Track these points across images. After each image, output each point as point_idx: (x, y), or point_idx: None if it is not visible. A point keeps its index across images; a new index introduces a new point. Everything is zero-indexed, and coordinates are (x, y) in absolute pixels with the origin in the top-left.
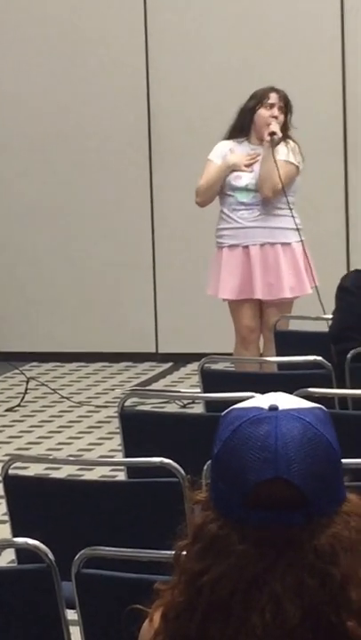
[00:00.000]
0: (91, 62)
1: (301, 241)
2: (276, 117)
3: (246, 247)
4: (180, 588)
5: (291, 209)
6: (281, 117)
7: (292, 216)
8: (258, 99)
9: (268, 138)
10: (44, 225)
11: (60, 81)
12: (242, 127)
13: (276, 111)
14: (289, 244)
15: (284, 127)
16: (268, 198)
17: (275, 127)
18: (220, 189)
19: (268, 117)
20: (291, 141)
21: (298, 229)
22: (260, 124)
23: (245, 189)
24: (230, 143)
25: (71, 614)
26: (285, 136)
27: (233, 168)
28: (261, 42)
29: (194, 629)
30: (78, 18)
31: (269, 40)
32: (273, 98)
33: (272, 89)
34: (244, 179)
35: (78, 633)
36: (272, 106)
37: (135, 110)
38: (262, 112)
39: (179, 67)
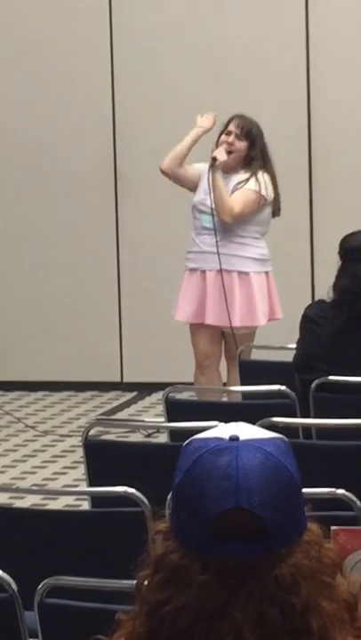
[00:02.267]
0: (55, 85)
1: (266, 272)
2: (230, 144)
3: (204, 272)
4: (142, 619)
5: (256, 238)
6: (238, 145)
7: (257, 246)
8: (223, 126)
9: (211, 162)
10: (8, 252)
11: (23, 105)
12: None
13: (230, 138)
14: (247, 273)
15: (247, 156)
16: (227, 223)
17: (218, 153)
18: (191, 209)
19: (222, 141)
20: (262, 174)
21: (261, 260)
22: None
23: (210, 213)
24: (203, 166)
25: None
26: (259, 168)
27: (200, 127)
28: (228, 67)
29: None
30: (42, 41)
31: (236, 66)
32: (231, 125)
33: (234, 117)
34: (209, 203)
35: None
36: (229, 133)
37: (100, 137)
38: (222, 138)
39: (144, 90)
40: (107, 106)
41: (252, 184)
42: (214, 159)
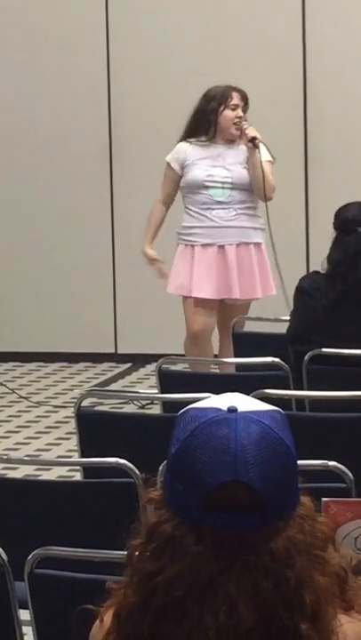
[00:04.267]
0: (51, 66)
1: (264, 242)
2: (240, 118)
3: (222, 247)
4: (133, 588)
5: (257, 208)
6: (245, 115)
7: (260, 216)
8: (219, 99)
9: (250, 144)
10: (3, 225)
11: (18, 84)
12: (202, 128)
13: (240, 112)
14: (259, 244)
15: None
16: (270, 199)
17: (253, 132)
18: (181, 190)
19: (235, 119)
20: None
21: (263, 229)
22: (227, 126)
23: (221, 187)
24: (188, 146)
25: (24, 614)
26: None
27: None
28: (223, 44)
29: (146, 630)
30: (38, 20)
31: (230, 43)
32: (236, 98)
33: (232, 88)
34: (217, 176)
35: (31, 633)
36: (236, 107)
37: (96, 113)
38: (228, 114)
39: (140, 70)
40: (102, 81)
41: (266, 154)
42: (255, 139)
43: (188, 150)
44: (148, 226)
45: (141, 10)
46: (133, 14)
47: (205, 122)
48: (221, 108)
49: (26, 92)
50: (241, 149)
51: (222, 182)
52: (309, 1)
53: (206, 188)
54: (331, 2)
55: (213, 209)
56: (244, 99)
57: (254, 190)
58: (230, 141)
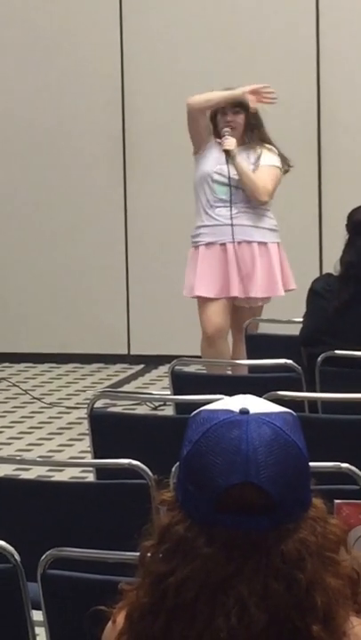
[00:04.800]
0: (65, 61)
1: (278, 243)
2: (228, 123)
3: (223, 245)
4: (145, 589)
5: (268, 209)
6: (237, 119)
7: (270, 217)
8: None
9: (226, 156)
10: (16, 225)
11: (33, 86)
12: (216, 130)
13: (229, 117)
14: (265, 243)
15: (247, 125)
16: (266, 202)
17: (228, 144)
18: (194, 186)
19: (223, 123)
20: (269, 146)
21: (275, 230)
22: (220, 130)
23: (226, 184)
24: (213, 141)
25: (37, 615)
26: (259, 138)
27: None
28: (236, 45)
29: (158, 631)
30: (53, 17)
31: (244, 44)
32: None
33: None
34: (224, 171)
35: (44, 634)
36: (224, 112)
37: (109, 111)
38: (219, 118)
39: (153, 70)
40: (116, 80)
41: (271, 159)
42: (227, 152)
43: (212, 142)
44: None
45: (155, 8)
46: (146, 11)
47: (213, 125)
48: (213, 113)
49: (39, 88)
50: (253, 150)
51: (228, 178)
52: (323, 0)
53: (213, 182)
54: (345, 2)
55: (216, 207)
56: (237, 102)
57: (250, 194)
58: (239, 143)
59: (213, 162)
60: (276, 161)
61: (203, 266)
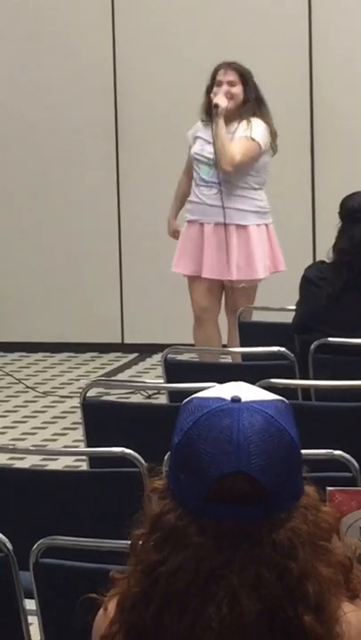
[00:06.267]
0: (56, 49)
1: (266, 225)
2: (226, 94)
3: (202, 225)
4: (137, 578)
5: (255, 189)
6: (234, 89)
7: (256, 198)
8: (211, 77)
9: (214, 111)
10: (8, 214)
11: (24, 76)
12: (206, 108)
13: (225, 87)
14: (245, 226)
15: (244, 99)
16: (229, 173)
17: (219, 99)
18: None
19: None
20: (256, 119)
21: (261, 212)
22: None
23: (207, 164)
24: (200, 123)
25: (29, 604)
26: (251, 113)
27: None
28: (229, 27)
29: (149, 620)
30: (43, 6)
31: (237, 33)
32: (220, 74)
33: (221, 65)
34: (206, 152)
35: (37, 622)
36: (220, 83)
37: (102, 98)
38: (215, 90)
39: (145, 52)
40: (108, 69)
41: (248, 132)
42: (216, 106)
43: (199, 127)
44: (174, 198)
45: None
46: (139, 1)
47: (206, 101)
48: (212, 85)
49: (31, 79)
50: (239, 129)
51: (208, 159)
52: None
53: (198, 162)
54: None
55: (200, 186)
56: (235, 72)
57: (216, 161)
58: (231, 116)
59: (200, 143)
60: (257, 134)
61: (183, 243)
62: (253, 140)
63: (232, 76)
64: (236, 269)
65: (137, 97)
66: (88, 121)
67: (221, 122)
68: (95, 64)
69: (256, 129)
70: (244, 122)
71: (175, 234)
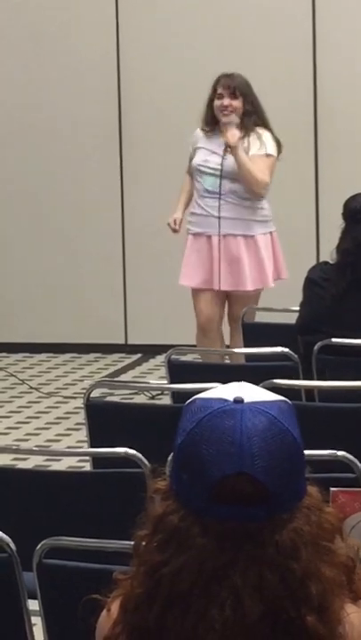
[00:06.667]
0: (60, 50)
1: (270, 233)
2: (225, 107)
3: (209, 237)
4: (140, 579)
5: (260, 199)
6: (235, 104)
7: (260, 207)
8: (212, 89)
9: (228, 148)
10: (13, 215)
11: (28, 76)
12: (209, 119)
13: (225, 100)
14: (252, 236)
15: (244, 112)
16: (261, 195)
17: (230, 137)
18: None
19: (221, 107)
20: (265, 132)
21: (265, 221)
22: (218, 116)
23: (212, 175)
24: (200, 132)
25: (33, 604)
26: (254, 124)
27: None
28: (233, 34)
29: (152, 621)
30: (47, 5)
31: (241, 33)
32: (220, 87)
33: (222, 76)
34: (211, 163)
35: (40, 623)
36: (220, 96)
37: (105, 99)
38: (216, 103)
39: (150, 59)
40: (112, 70)
41: (262, 149)
42: (228, 146)
43: (199, 136)
44: (181, 191)
45: None
46: (143, 2)
47: (207, 112)
48: (213, 97)
49: (34, 78)
50: (251, 145)
51: (214, 169)
52: None
53: (201, 174)
54: None
55: (205, 197)
56: (233, 84)
57: (247, 187)
58: (239, 128)
59: (202, 154)
60: (271, 148)
61: (189, 256)
62: (270, 155)
63: (229, 90)
64: (250, 279)
65: (141, 98)
66: (90, 121)
67: (240, 152)
68: (98, 64)
69: (268, 144)
70: (254, 136)
71: (175, 222)
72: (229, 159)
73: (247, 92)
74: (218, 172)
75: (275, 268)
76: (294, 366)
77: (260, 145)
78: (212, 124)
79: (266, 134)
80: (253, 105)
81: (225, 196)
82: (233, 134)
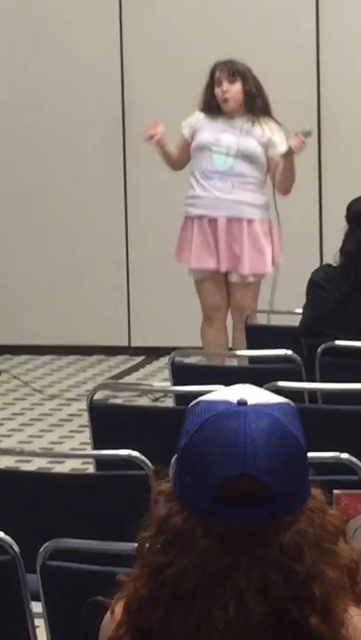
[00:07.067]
0: (64, 56)
1: (269, 218)
2: (224, 92)
3: (214, 219)
4: (143, 581)
5: (262, 185)
6: (233, 88)
7: (262, 192)
8: (210, 76)
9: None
10: (16, 215)
11: (31, 76)
12: (210, 103)
13: (224, 85)
14: (252, 220)
15: (246, 95)
16: (284, 195)
17: (296, 145)
18: (191, 152)
19: (221, 93)
20: (276, 126)
21: (266, 206)
22: (221, 105)
23: (225, 154)
24: (200, 113)
25: (36, 606)
26: (261, 111)
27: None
28: (237, 34)
29: (156, 622)
30: (50, 9)
31: (245, 33)
32: (218, 73)
33: (218, 64)
34: (225, 141)
35: (43, 625)
36: (219, 82)
37: (108, 99)
38: (216, 91)
39: (152, 59)
40: (115, 65)
41: (282, 145)
42: (291, 150)
43: (200, 117)
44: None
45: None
46: (146, 2)
47: (208, 97)
48: (207, 85)
49: (34, 78)
50: (258, 123)
51: (227, 148)
52: None
53: (211, 152)
54: None
55: (211, 178)
56: (230, 71)
57: (277, 185)
58: (233, 112)
59: (210, 132)
60: (283, 144)
61: (198, 239)
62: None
63: (227, 74)
64: (249, 264)
65: (144, 97)
66: (95, 123)
67: (294, 159)
68: (99, 64)
69: (283, 134)
70: (272, 126)
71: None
72: (246, 140)
73: (247, 75)
74: (232, 152)
75: (272, 255)
76: (298, 368)
77: (280, 140)
78: (215, 109)
79: (278, 127)
80: (257, 88)
81: (235, 178)
82: (298, 144)
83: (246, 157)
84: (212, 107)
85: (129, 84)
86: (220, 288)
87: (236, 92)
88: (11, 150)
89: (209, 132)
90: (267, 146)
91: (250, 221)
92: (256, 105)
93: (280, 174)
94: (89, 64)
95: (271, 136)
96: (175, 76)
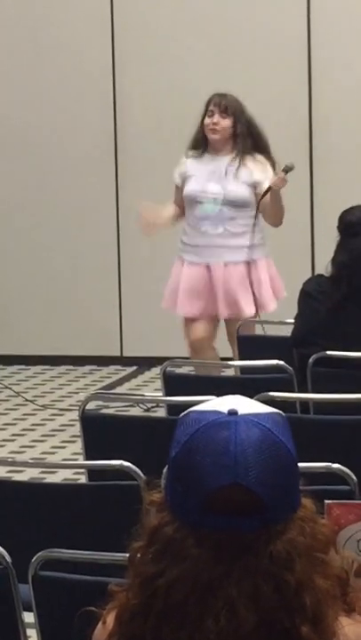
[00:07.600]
0: (56, 58)
1: (267, 256)
2: (215, 124)
3: (208, 266)
4: (135, 591)
5: (254, 224)
6: (223, 123)
7: (257, 231)
8: (204, 108)
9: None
10: (7, 226)
11: (23, 84)
12: (197, 139)
13: (215, 118)
14: (254, 261)
15: (233, 133)
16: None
17: (280, 184)
18: (186, 199)
19: (210, 125)
20: (266, 164)
21: (263, 244)
22: (207, 134)
23: (213, 202)
24: (186, 159)
25: (28, 616)
26: (250, 149)
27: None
28: (229, 43)
29: (148, 632)
30: (41, 15)
31: (237, 42)
32: (211, 104)
33: (214, 95)
34: (210, 191)
35: (35, 635)
36: (211, 113)
37: (101, 114)
38: (206, 121)
39: (145, 68)
40: (107, 78)
41: (265, 183)
42: (269, 188)
43: (186, 163)
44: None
45: (147, 3)
46: (138, 8)
47: (198, 132)
48: (203, 116)
49: (29, 87)
50: (225, 159)
51: (214, 196)
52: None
53: (198, 204)
54: (336, 2)
55: (203, 224)
56: (222, 106)
57: (266, 219)
58: (219, 148)
59: (195, 182)
60: (270, 176)
61: (186, 286)
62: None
63: (219, 108)
64: (251, 306)
65: (136, 104)
66: (88, 134)
67: (279, 194)
68: (94, 69)
69: (267, 174)
70: (258, 163)
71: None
72: (229, 185)
73: (239, 113)
74: (219, 199)
75: (273, 291)
76: (289, 379)
77: (266, 176)
78: (203, 144)
79: (268, 166)
80: (249, 128)
81: (226, 223)
82: (279, 181)
83: (233, 203)
84: (199, 142)
85: (121, 91)
86: (209, 323)
87: (226, 127)
88: (5, 165)
89: (195, 182)
90: (254, 186)
91: (249, 263)
92: (245, 145)
93: (268, 209)
94: (82, 70)
95: (255, 176)
96: (169, 84)
